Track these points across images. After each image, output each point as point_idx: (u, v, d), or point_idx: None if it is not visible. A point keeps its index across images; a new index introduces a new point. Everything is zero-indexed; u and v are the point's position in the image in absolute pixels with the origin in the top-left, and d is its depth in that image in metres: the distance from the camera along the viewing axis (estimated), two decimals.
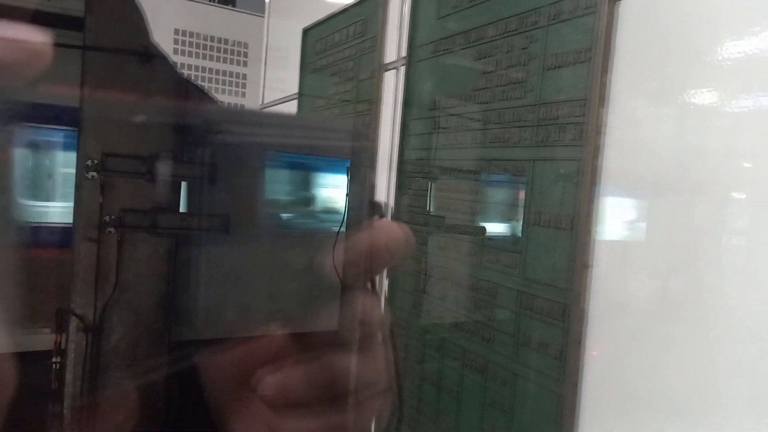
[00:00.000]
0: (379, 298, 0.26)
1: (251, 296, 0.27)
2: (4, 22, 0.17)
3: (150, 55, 0.28)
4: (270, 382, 0.24)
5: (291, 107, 1.68)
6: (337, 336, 0.25)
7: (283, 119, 0.30)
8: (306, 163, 0.28)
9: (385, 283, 1.14)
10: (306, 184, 0.29)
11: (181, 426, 0.29)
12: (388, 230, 0.25)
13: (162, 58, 0.28)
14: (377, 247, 0.25)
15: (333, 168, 0.28)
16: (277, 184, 0.28)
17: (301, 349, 0.25)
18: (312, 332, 0.26)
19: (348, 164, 0.28)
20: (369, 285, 0.25)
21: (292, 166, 0.29)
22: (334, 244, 0.25)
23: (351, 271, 0.24)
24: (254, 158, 0.28)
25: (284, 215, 0.29)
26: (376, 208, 0.27)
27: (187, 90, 0.29)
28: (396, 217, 1.12)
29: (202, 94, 0.30)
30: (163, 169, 0.27)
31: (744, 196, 0.60)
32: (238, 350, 0.26)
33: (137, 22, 0.28)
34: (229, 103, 2.82)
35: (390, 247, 0.25)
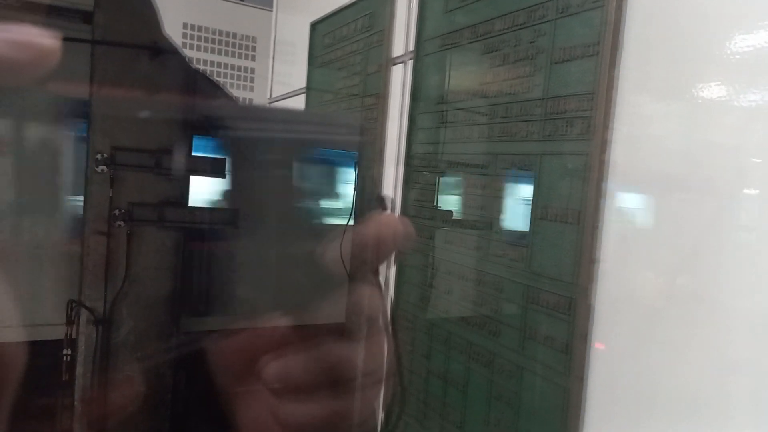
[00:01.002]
0: (380, 289, 0.26)
1: (258, 289, 0.27)
2: (13, 23, 0.18)
3: (159, 49, 0.28)
4: (273, 369, 0.25)
5: (299, 101, 1.69)
6: (339, 325, 0.25)
7: (289, 115, 0.30)
8: (311, 158, 0.29)
9: (392, 275, 1.14)
10: (312, 179, 0.29)
11: (188, 417, 0.29)
12: (388, 222, 0.26)
13: (174, 52, 0.28)
14: (377, 239, 0.25)
15: (340, 162, 0.29)
16: (285, 178, 0.28)
17: (303, 337, 0.25)
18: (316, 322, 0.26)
19: (354, 159, 0.28)
20: (370, 276, 0.26)
21: (298, 160, 0.29)
22: (335, 236, 0.25)
23: (352, 262, 0.25)
24: (262, 153, 0.28)
25: (292, 209, 0.29)
26: (379, 202, 0.27)
27: (199, 84, 0.29)
28: (403, 211, 1.12)
29: (215, 89, 0.30)
30: (172, 163, 0.27)
31: (753, 193, 0.60)
32: (243, 339, 0.26)
33: (149, 16, 0.28)
34: (237, 97, 2.83)
35: (390, 239, 0.26)
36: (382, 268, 0.26)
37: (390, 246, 0.26)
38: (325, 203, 0.28)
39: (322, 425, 0.25)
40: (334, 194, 0.28)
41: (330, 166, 0.29)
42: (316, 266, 0.26)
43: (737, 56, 0.60)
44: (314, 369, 0.25)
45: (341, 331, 0.25)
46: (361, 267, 0.25)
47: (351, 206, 0.27)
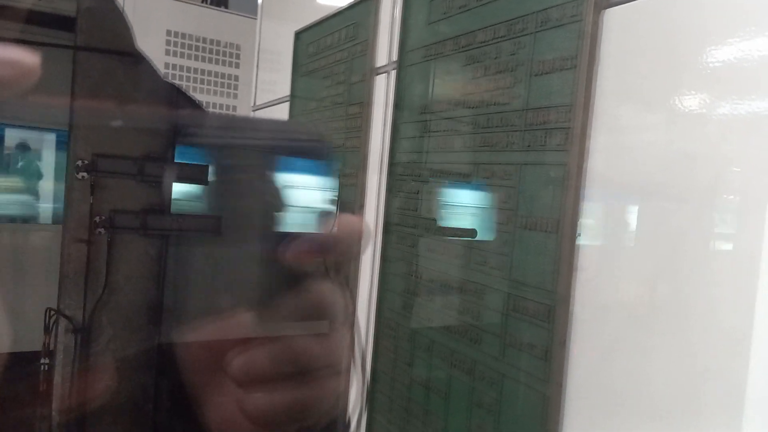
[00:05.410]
0: (341, 285, 0.28)
1: (240, 297, 0.27)
2: None
3: (138, 57, 0.28)
4: (238, 362, 0.26)
5: (283, 109, 1.68)
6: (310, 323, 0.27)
7: (255, 123, 0.31)
8: (279, 166, 0.29)
9: (372, 281, 1.14)
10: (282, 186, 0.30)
11: (169, 426, 0.29)
12: (346, 223, 0.28)
13: (146, 62, 0.28)
14: (336, 239, 0.27)
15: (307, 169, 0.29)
16: (258, 185, 0.29)
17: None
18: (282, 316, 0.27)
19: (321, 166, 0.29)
20: (333, 273, 0.27)
21: (267, 168, 0.29)
22: (296, 238, 0.26)
23: (313, 262, 0.26)
24: (234, 160, 0.28)
25: (266, 215, 0.29)
26: (340, 205, 0.29)
27: (170, 93, 0.29)
28: (387, 219, 1.12)
29: (184, 97, 0.31)
30: (154, 170, 0.27)
31: (728, 201, 0.61)
32: (209, 336, 0.27)
33: (121, 29, 0.28)
34: (205, 103, 2.82)
35: (348, 239, 0.28)
36: (344, 267, 0.28)
37: (349, 246, 0.28)
38: (295, 209, 0.29)
39: (287, 415, 0.26)
40: (303, 200, 0.29)
41: (298, 172, 0.29)
42: (289, 269, 0.26)
43: (712, 68, 0.62)
44: (277, 361, 0.26)
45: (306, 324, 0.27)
46: (324, 265, 0.27)
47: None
